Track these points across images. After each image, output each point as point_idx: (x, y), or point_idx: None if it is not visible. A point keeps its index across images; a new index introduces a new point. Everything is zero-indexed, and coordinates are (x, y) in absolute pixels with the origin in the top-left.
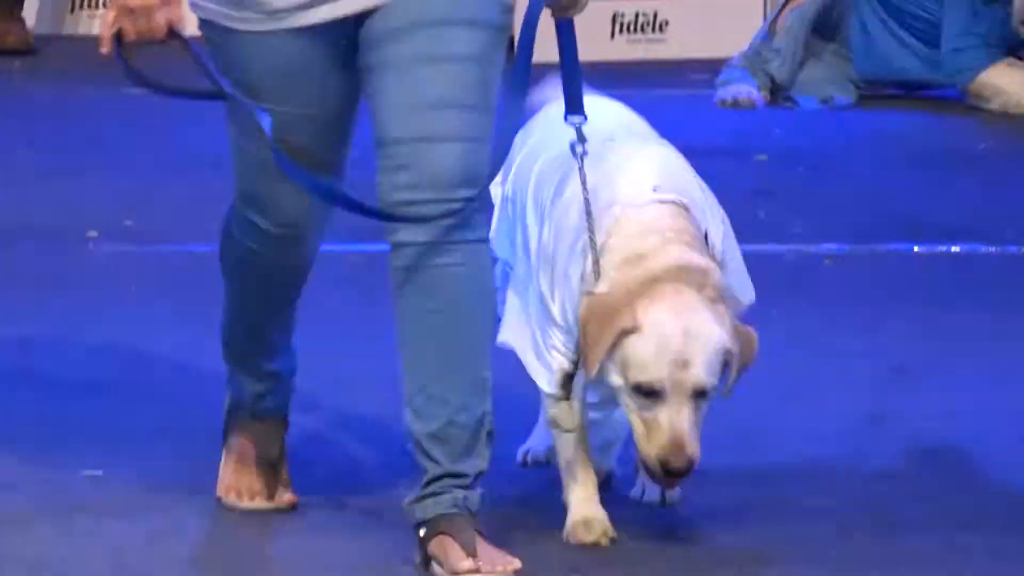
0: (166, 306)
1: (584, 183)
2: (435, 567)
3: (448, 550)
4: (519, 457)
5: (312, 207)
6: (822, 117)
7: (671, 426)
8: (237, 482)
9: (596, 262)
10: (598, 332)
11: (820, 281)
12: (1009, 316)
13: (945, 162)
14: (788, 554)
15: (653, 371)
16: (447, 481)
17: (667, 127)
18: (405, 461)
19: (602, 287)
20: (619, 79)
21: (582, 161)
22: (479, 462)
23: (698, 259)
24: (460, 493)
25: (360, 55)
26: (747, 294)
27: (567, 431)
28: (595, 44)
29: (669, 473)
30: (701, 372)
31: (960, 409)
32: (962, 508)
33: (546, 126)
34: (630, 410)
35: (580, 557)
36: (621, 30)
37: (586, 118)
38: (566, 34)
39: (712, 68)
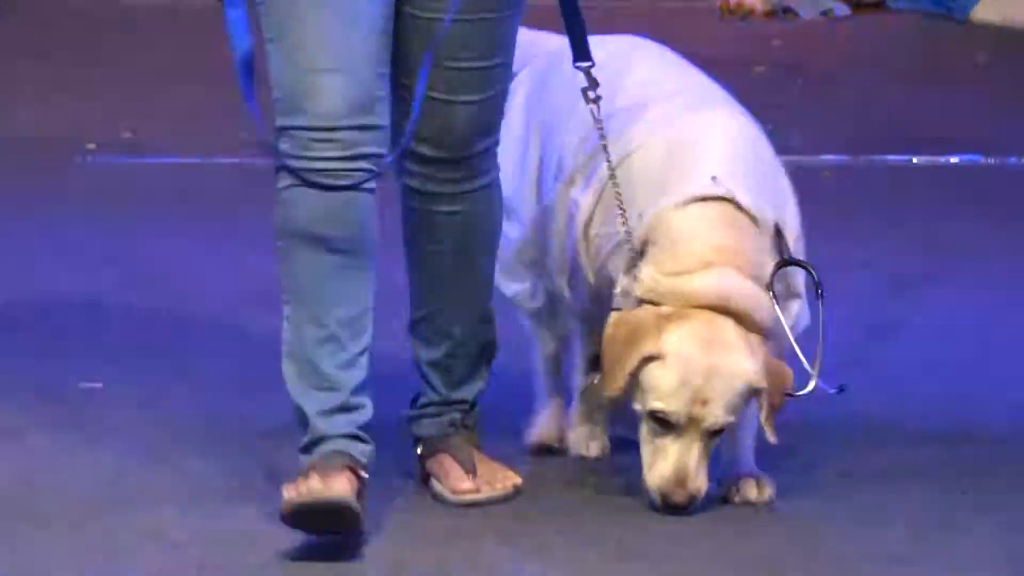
0: (163, 217)
1: (606, 150)
2: (434, 483)
3: (448, 468)
4: None
5: (362, 99)
6: (821, 29)
7: (678, 460)
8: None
9: (634, 262)
10: (622, 353)
11: (819, 193)
12: (1008, 227)
13: (944, 75)
14: (783, 468)
15: (671, 403)
16: (443, 406)
17: (666, 39)
18: (407, 376)
19: (631, 301)
20: None
21: (599, 110)
22: (479, 384)
23: (741, 288)
24: (457, 415)
25: None
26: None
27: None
28: None
29: (668, 506)
30: (720, 411)
31: (959, 320)
32: (962, 421)
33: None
34: (643, 434)
35: (581, 467)
36: None
37: (594, 63)
38: None
39: None
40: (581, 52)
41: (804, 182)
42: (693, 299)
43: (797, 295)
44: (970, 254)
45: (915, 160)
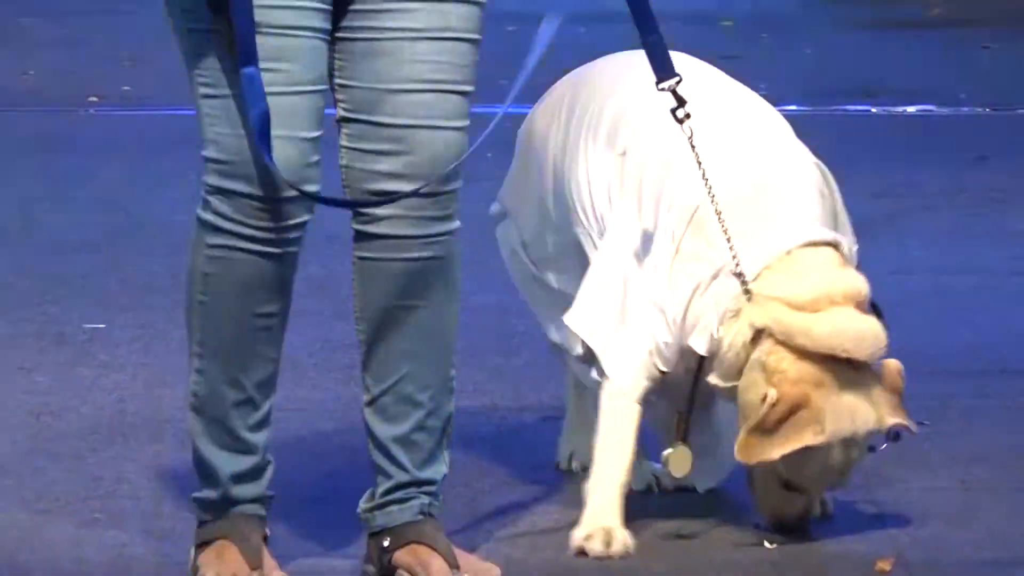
0: (161, 166)
1: (705, 179)
2: None
3: (426, 562)
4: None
5: (310, 163)
6: None
7: (800, 513)
8: (220, 567)
9: (746, 297)
10: (788, 435)
11: None
12: (961, 173)
13: (901, 28)
14: None
15: (809, 482)
16: (413, 489)
17: None
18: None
19: (775, 363)
20: None
21: (691, 134)
22: (443, 467)
23: (869, 327)
24: (426, 499)
25: (337, 19)
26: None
27: (630, 401)
28: None
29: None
30: (847, 480)
31: (917, 261)
32: (914, 355)
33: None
34: (762, 477)
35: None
36: None
37: (681, 78)
38: None
39: None
40: (665, 69)
41: None
42: (824, 341)
43: None
44: (925, 198)
45: (873, 110)
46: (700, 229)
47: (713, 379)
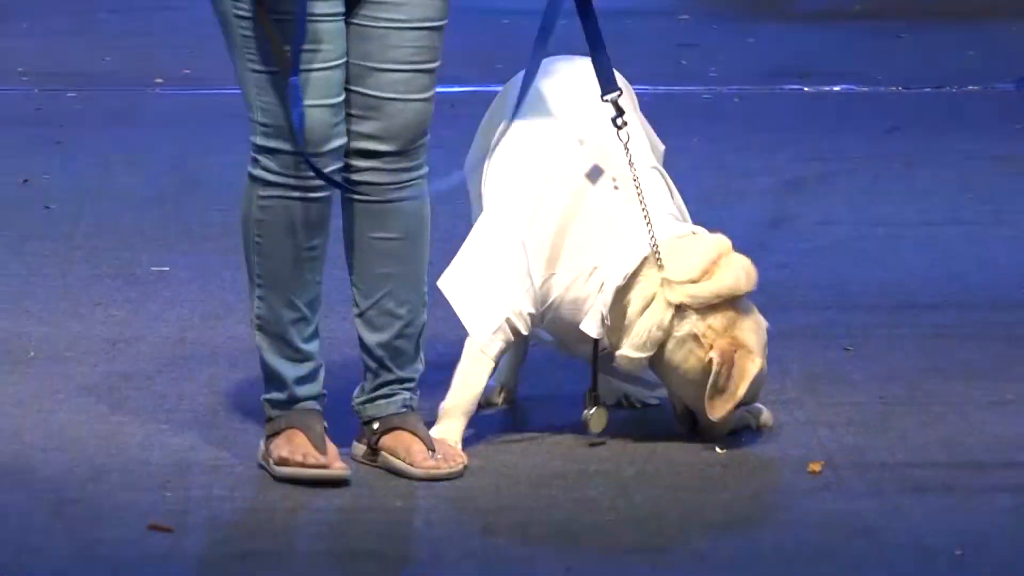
0: (217, 136)
1: (636, 183)
2: (389, 458)
3: (408, 444)
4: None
5: (337, 123)
6: None
7: (733, 420)
8: (291, 447)
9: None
10: (738, 380)
11: (731, 115)
12: (877, 141)
13: (829, 19)
14: None
15: (752, 395)
16: (396, 385)
17: None
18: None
19: (703, 329)
20: None
21: (627, 139)
22: (420, 366)
23: (748, 265)
24: (407, 394)
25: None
26: (660, 145)
27: (486, 358)
28: None
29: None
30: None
31: (841, 214)
32: (841, 293)
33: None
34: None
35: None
36: None
37: (622, 92)
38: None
39: None
40: (610, 83)
41: (720, 105)
42: (728, 290)
43: None
44: (848, 162)
45: (806, 89)
46: (572, 230)
47: (626, 352)
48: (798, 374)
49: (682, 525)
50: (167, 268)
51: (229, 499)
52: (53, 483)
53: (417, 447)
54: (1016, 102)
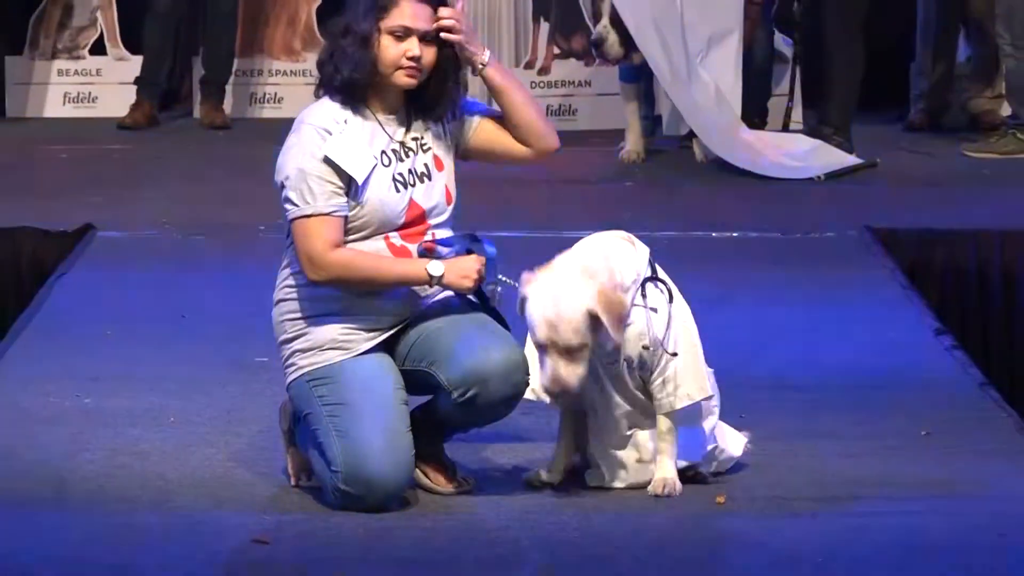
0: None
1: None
2: (420, 478)
3: (433, 475)
4: None
5: (407, 467)
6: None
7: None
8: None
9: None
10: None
11: (659, 255)
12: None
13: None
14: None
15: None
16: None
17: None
18: None
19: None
20: None
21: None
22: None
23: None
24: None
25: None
26: None
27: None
28: None
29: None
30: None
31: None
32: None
33: None
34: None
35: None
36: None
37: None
38: None
39: None
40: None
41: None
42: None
43: None
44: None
45: (713, 234)
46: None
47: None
48: (769, 435)
49: (628, 539)
50: (266, 359)
51: (310, 520)
52: (186, 510)
53: (439, 477)
54: None
